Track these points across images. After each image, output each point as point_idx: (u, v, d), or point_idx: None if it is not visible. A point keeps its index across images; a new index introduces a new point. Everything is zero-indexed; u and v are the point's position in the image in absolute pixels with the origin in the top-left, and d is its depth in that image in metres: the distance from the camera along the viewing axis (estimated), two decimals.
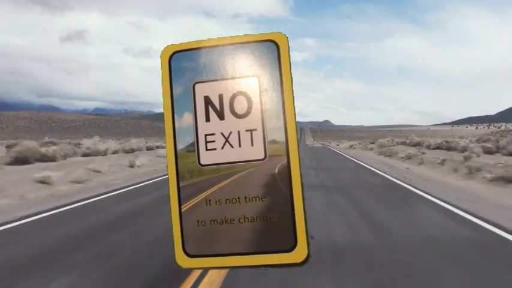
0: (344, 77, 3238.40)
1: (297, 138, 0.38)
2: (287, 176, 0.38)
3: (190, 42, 0.42)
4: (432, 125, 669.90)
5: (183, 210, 0.40)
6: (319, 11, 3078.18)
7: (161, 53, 0.42)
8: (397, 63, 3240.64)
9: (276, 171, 0.38)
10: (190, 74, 0.41)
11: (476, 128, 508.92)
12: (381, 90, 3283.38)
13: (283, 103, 0.39)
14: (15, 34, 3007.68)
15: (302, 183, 0.39)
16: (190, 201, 0.41)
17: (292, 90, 0.39)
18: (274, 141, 0.39)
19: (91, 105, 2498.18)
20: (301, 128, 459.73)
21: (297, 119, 0.39)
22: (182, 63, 0.41)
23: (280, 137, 0.38)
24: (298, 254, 0.38)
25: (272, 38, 0.39)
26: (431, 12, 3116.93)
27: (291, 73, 0.39)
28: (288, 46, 0.40)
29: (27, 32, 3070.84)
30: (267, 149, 0.39)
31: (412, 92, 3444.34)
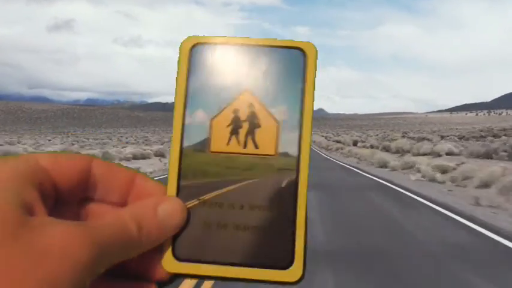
0: (337, 66, 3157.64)
1: (310, 155, 0.39)
2: (293, 193, 0.38)
3: (214, 36, 0.40)
4: (429, 112, 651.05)
5: None
6: None
7: (181, 44, 0.40)
8: (391, 51, 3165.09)
9: (284, 185, 0.38)
10: (210, 70, 0.39)
11: (476, 114, 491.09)
12: (374, 78, 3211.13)
13: (302, 116, 0.38)
14: (2, 24, 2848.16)
15: (306, 201, 0.38)
16: (189, 203, 0.38)
17: (313, 105, 0.39)
18: (286, 154, 0.38)
19: (83, 95, 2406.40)
20: None
21: None
22: (202, 57, 0.39)
23: (293, 151, 0.38)
24: (293, 273, 0.36)
25: (301, 46, 0.39)
26: (424, 0, 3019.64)
27: (314, 86, 0.39)
28: (316, 58, 0.39)
29: (14, 22, 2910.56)
30: (278, 147, 0.38)
31: (406, 79, 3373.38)
